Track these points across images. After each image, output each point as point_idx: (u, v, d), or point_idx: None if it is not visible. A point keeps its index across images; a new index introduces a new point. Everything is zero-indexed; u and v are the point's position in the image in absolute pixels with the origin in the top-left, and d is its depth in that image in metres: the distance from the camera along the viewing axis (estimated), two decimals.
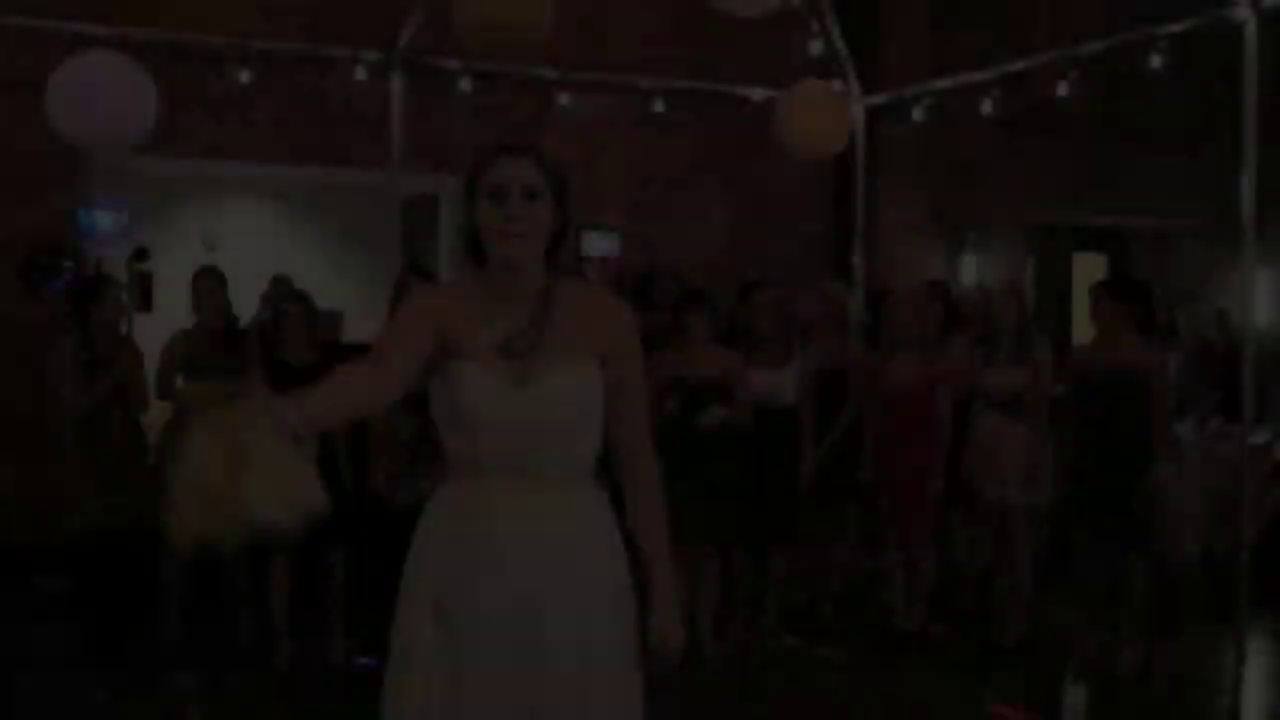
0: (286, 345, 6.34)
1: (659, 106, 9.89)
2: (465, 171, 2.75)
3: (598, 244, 8.94)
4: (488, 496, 2.69)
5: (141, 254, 7.60)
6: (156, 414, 6.82)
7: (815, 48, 9.57)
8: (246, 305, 7.94)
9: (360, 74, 8.88)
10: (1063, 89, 9.25)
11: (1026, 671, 6.65)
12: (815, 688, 6.44)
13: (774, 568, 7.07)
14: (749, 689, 6.39)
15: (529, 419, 2.66)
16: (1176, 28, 7.72)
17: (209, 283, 6.79)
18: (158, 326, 7.39)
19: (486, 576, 2.65)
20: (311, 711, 5.99)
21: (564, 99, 9.56)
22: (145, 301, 7.69)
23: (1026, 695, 6.42)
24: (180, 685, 6.33)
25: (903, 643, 6.99)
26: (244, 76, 8.66)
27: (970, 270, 11.32)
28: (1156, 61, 8.29)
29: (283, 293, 6.77)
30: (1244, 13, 6.71)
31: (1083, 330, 8.73)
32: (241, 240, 10.65)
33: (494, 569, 2.65)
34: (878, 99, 9.77)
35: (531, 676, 2.63)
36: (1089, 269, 12.52)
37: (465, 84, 9.20)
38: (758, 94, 9.99)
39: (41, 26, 8.04)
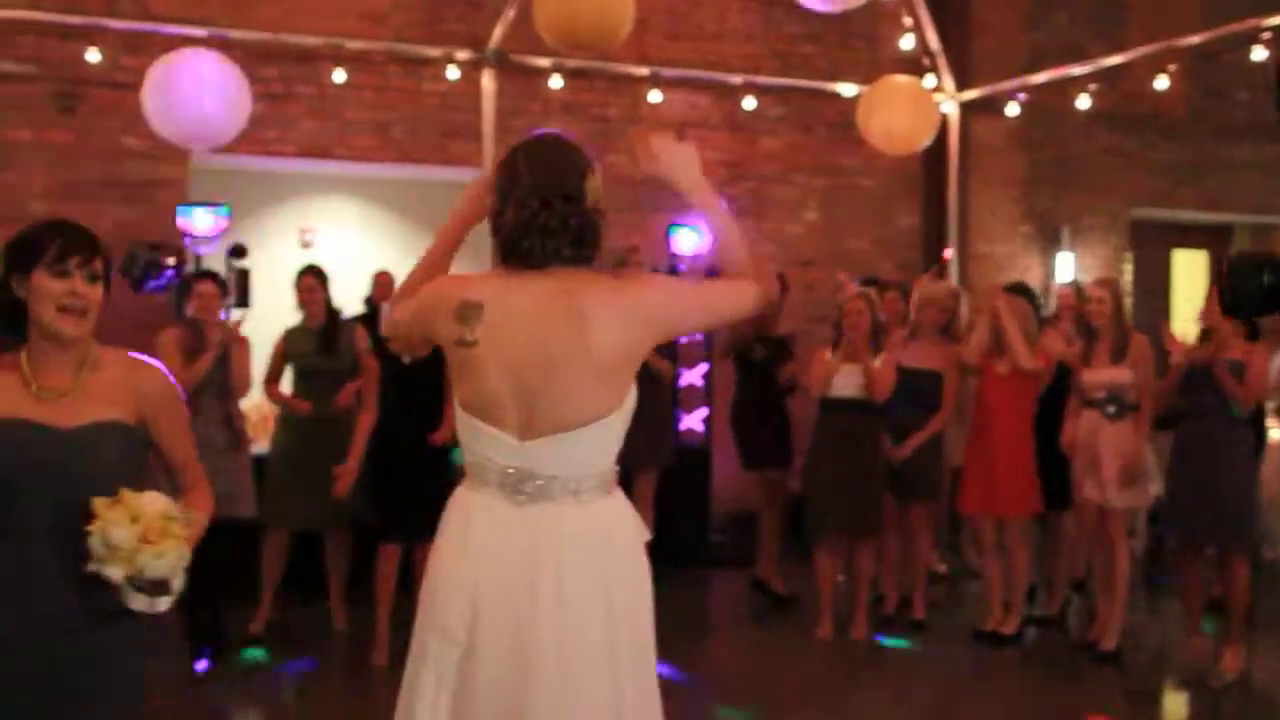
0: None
1: (749, 103, 9.86)
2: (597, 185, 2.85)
3: (688, 241, 8.91)
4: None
5: (239, 251, 7.72)
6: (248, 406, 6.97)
7: (907, 43, 9.50)
8: (342, 302, 8.04)
9: (453, 73, 8.97)
10: (1161, 82, 9.09)
11: (1125, 677, 6.54)
12: (908, 690, 6.38)
13: (861, 562, 7.03)
14: (838, 686, 6.35)
15: None
16: (1278, 19, 7.56)
17: (311, 281, 6.91)
18: (255, 322, 7.50)
19: None
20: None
21: (655, 96, 9.57)
22: (243, 297, 7.80)
23: (1125, 701, 6.32)
24: (263, 665, 6.47)
25: (998, 645, 6.90)
26: (339, 76, 8.79)
27: (1067, 267, 11.15)
28: (1257, 53, 8.12)
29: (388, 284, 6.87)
30: None
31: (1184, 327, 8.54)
32: (337, 238, 10.76)
33: None
34: (971, 94, 9.67)
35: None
36: (1188, 265, 12.29)
37: (556, 81, 9.25)
38: (848, 90, 9.93)
39: (143, 29, 8.23)
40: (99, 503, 2.67)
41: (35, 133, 8.35)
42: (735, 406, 8.04)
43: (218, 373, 6.47)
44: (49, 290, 2.76)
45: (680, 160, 2.95)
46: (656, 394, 7.45)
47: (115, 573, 2.65)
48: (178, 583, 2.74)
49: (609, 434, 2.80)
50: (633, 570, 2.86)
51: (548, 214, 2.76)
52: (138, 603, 2.69)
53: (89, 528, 2.64)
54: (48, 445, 2.73)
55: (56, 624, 2.71)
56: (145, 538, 2.64)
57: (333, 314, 6.96)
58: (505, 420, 2.77)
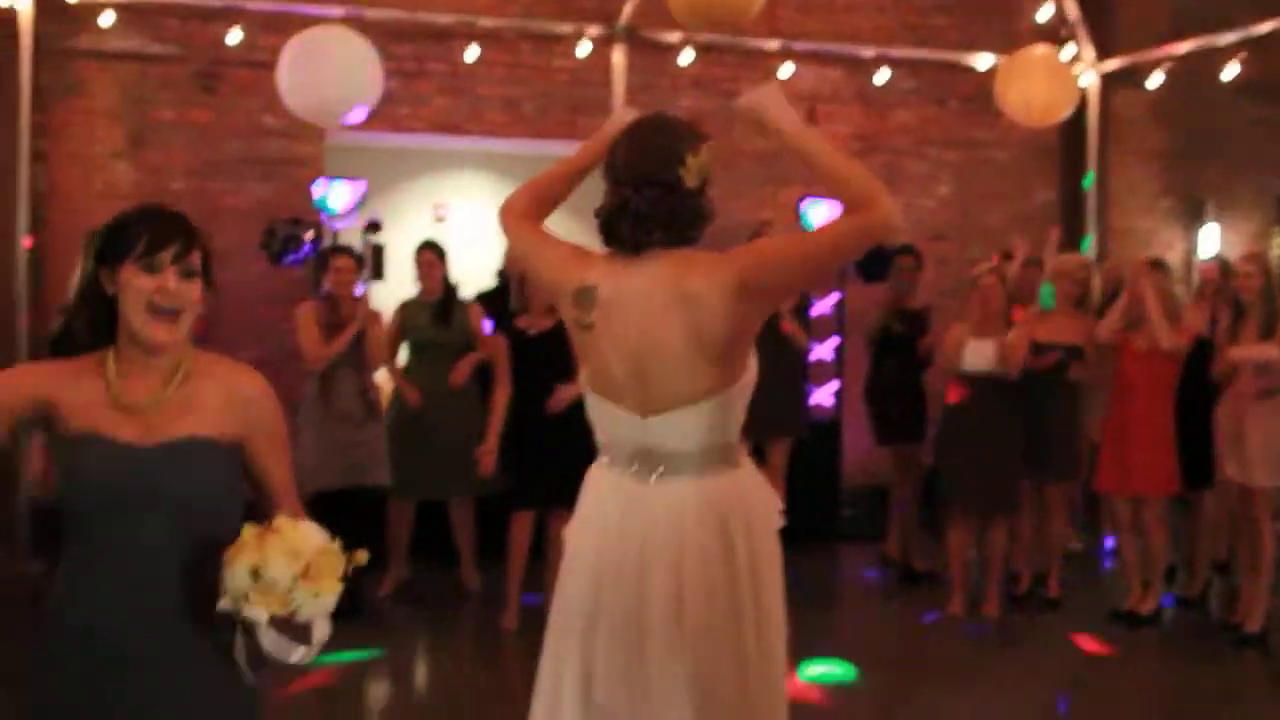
0: (528, 312, 6.46)
1: (881, 76, 9.74)
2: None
3: (820, 213, 8.82)
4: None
5: (374, 226, 7.86)
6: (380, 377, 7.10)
7: (1045, 13, 9.29)
8: (474, 276, 8.14)
9: (583, 49, 9.00)
10: None
11: (1269, 660, 6.35)
12: (1041, 668, 6.26)
13: (994, 539, 6.93)
14: (970, 663, 6.26)
15: None
16: None
17: (430, 256, 7.02)
18: (390, 295, 7.62)
19: None
20: None
21: (786, 70, 9.49)
22: (377, 271, 7.95)
23: (1268, 684, 6.15)
24: (408, 625, 6.62)
25: (1135, 625, 6.75)
26: (471, 53, 8.88)
27: (1211, 241, 10.82)
28: None
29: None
30: None
31: None
32: (470, 212, 10.90)
33: None
34: (1112, 64, 9.43)
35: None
36: None
37: (687, 56, 9.23)
38: (983, 61, 9.75)
39: (281, 9, 8.39)
40: (248, 531, 2.29)
41: (178, 112, 8.57)
42: (870, 381, 7.97)
43: (353, 346, 6.62)
44: (137, 286, 2.38)
45: (766, 101, 2.91)
46: (787, 365, 7.43)
47: (260, 613, 2.24)
48: (321, 633, 2.33)
49: (729, 408, 2.79)
50: (761, 541, 2.85)
51: (639, 199, 2.79)
52: (271, 644, 2.28)
53: (228, 558, 2.25)
54: (124, 465, 2.36)
55: (109, 646, 2.37)
56: (305, 573, 2.25)
57: (450, 289, 7.05)
58: (626, 398, 2.81)
